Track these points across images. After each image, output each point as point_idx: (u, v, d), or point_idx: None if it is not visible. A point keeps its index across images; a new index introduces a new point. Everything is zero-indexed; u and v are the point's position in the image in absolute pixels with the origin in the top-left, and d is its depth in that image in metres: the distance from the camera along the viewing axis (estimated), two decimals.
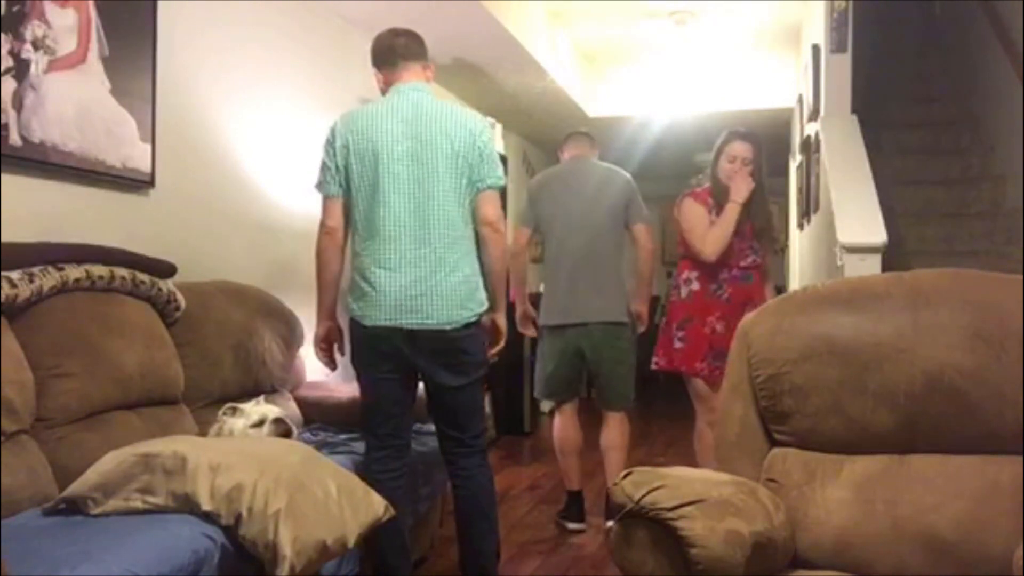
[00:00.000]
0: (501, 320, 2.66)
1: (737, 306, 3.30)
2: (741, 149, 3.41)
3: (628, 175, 3.81)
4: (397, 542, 2.52)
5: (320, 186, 2.53)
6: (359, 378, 2.58)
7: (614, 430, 3.69)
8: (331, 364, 2.70)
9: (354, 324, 2.50)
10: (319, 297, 2.59)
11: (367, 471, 2.50)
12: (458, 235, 2.46)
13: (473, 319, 2.49)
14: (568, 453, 3.74)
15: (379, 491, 2.31)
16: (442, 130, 2.45)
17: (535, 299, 3.96)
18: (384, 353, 2.46)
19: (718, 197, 3.40)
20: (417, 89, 2.54)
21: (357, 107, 2.58)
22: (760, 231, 3.46)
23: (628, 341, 3.70)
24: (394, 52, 2.60)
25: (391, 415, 2.53)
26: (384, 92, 2.62)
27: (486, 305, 2.55)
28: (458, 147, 2.45)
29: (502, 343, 2.68)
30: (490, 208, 2.51)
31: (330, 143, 2.52)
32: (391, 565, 2.52)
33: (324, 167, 2.52)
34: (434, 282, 2.41)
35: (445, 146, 2.44)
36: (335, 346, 2.68)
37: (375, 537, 2.29)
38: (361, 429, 2.64)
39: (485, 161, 2.49)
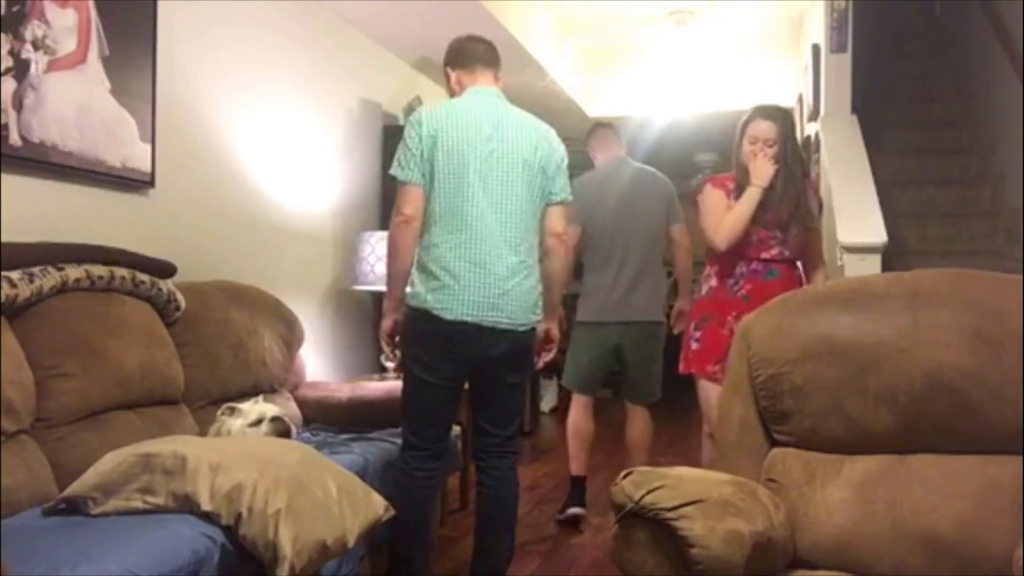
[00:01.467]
0: (555, 329, 2.68)
1: (758, 305, 2.87)
2: (764, 129, 3.01)
3: (666, 177, 3.96)
4: (422, 538, 2.52)
5: (400, 171, 2.45)
6: (408, 374, 2.51)
7: (638, 427, 3.84)
8: (396, 358, 2.63)
9: (425, 317, 2.41)
10: (390, 290, 2.53)
11: (404, 469, 2.51)
12: (533, 241, 2.52)
13: (537, 323, 2.55)
14: (579, 439, 3.84)
15: (414, 487, 2.42)
16: (527, 137, 2.49)
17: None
18: (452, 351, 2.42)
19: (741, 181, 3.02)
20: (494, 93, 2.56)
21: (439, 105, 2.54)
22: (789, 219, 2.99)
23: (662, 339, 3.87)
24: (474, 56, 2.61)
25: (439, 417, 2.51)
26: (455, 93, 2.62)
27: (542, 313, 2.58)
28: (540, 156, 2.50)
29: (553, 352, 2.70)
30: (559, 221, 2.57)
31: (415, 130, 2.45)
32: (412, 561, 2.51)
33: (408, 153, 2.44)
34: (514, 283, 2.44)
35: (528, 153, 2.48)
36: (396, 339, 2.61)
37: (400, 532, 2.29)
38: (403, 426, 2.58)
39: (560, 174, 2.56)
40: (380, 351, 3.67)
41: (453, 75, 2.64)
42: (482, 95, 2.53)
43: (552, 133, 2.59)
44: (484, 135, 2.44)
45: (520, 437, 5.87)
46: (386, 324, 2.55)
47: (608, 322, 3.75)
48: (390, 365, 3.72)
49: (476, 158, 2.41)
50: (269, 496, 1.87)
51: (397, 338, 2.55)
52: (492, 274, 2.40)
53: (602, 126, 4.14)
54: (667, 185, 3.92)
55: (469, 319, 2.39)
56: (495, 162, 2.43)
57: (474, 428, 2.62)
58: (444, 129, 2.42)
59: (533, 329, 2.54)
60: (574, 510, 3.78)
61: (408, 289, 2.47)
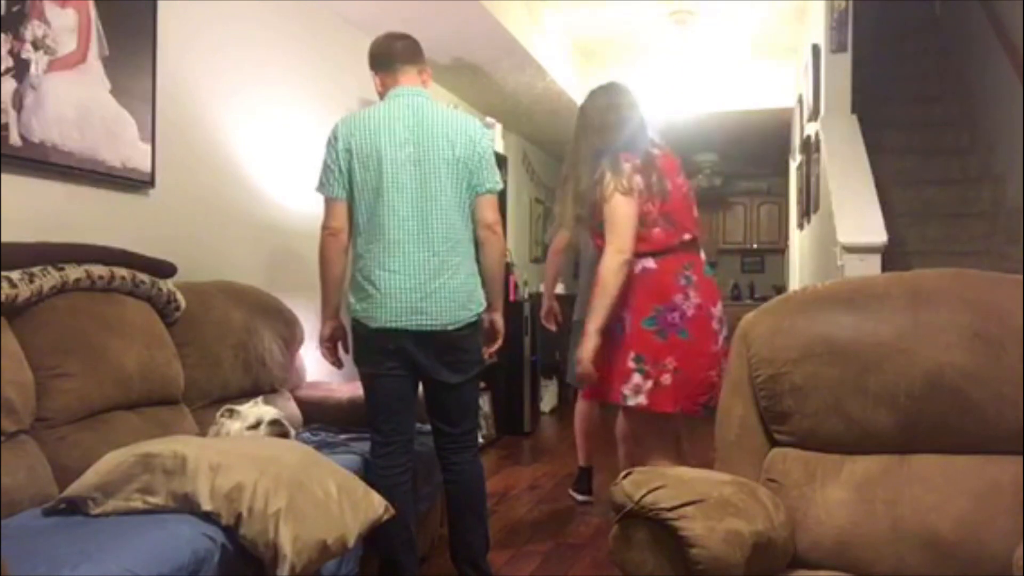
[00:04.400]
0: (499, 320, 2.71)
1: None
2: None
3: None
4: (404, 536, 2.56)
5: (322, 188, 2.56)
6: (362, 376, 2.62)
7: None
8: (337, 363, 2.76)
9: (358, 324, 2.55)
10: (324, 297, 2.65)
11: (373, 467, 2.58)
12: (459, 238, 2.53)
13: (473, 319, 2.57)
14: (586, 435, 4.08)
15: (385, 486, 2.39)
16: (444, 135, 2.50)
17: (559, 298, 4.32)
18: (388, 351, 2.51)
19: None
20: (417, 94, 2.58)
21: (357, 110, 2.60)
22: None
23: None
24: (391, 57, 2.63)
25: (394, 411, 2.58)
26: (382, 96, 2.66)
27: (484, 305, 2.61)
28: (459, 152, 2.51)
29: (499, 342, 2.75)
30: (489, 211, 2.58)
31: (332, 146, 2.55)
32: (398, 561, 2.56)
33: (327, 169, 2.54)
34: (437, 284, 2.48)
35: (447, 151, 2.49)
36: (339, 345, 2.73)
37: (382, 534, 2.31)
38: (367, 427, 2.68)
39: (484, 166, 2.55)
40: None
41: (376, 79, 2.68)
42: (400, 97, 2.56)
43: (473, 125, 2.59)
44: (399, 140, 2.48)
45: (520, 437, 5.88)
46: (323, 331, 2.69)
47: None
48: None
49: (391, 164, 2.46)
50: (269, 496, 1.87)
51: (339, 344, 2.71)
52: (412, 279, 2.47)
53: None
54: None
55: (391, 325, 2.48)
56: (412, 166, 2.48)
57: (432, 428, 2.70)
58: (357, 140, 2.49)
59: (471, 325, 2.56)
60: (581, 498, 4.07)
61: (349, 298, 2.59)
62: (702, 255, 2.77)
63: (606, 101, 2.75)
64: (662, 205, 2.61)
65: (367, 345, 2.54)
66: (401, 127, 2.50)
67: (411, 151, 2.48)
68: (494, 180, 2.59)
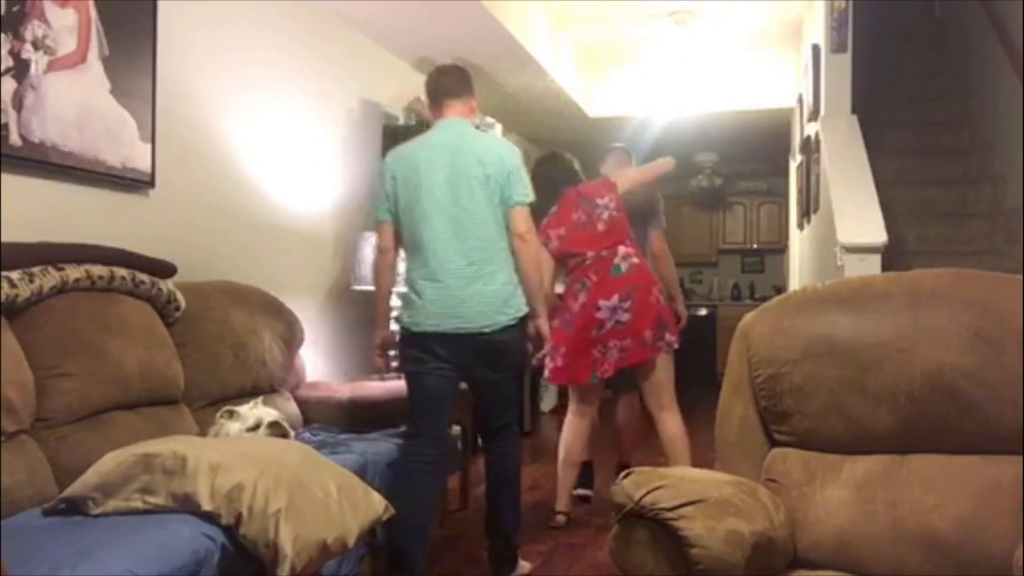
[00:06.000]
0: (543, 325, 2.93)
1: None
2: None
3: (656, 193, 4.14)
4: (417, 525, 2.70)
5: (376, 212, 2.90)
6: (405, 375, 2.85)
7: (624, 413, 4.16)
8: (387, 368, 3.04)
9: (404, 330, 2.81)
10: (377, 308, 2.97)
11: (405, 458, 2.82)
12: (494, 248, 2.79)
13: (511, 322, 2.79)
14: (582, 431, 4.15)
15: (408, 472, 2.74)
16: (475, 157, 2.78)
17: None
18: (430, 353, 2.75)
19: None
20: (457, 124, 2.88)
21: (406, 144, 2.94)
22: None
23: None
24: (439, 91, 2.92)
25: (429, 408, 2.81)
26: (432, 121, 2.98)
27: (525, 309, 2.85)
28: (489, 170, 2.77)
29: (546, 348, 2.98)
30: (519, 222, 2.81)
31: (382, 175, 2.87)
32: (406, 550, 2.67)
33: (380, 196, 2.86)
34: (472, 291, 2.73)
35: (478, 170, 2.76)
36: (389, 352, 3.00)
37: (396, 520, 2.40)
38: (406, 421, 2.92)
39: (513, 181, 2.80)
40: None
41: (429, 108, 3.00)
42: (443, 129, 2.87)
43: (502, 145, 2.91)
44: (439, 164, 2.77)
45: (520, 437, 5.87)
46: (375, 338, 2.98)
47: None
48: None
49: (430, 187, 2.75)
50: (269, 496, 1.87)
51: (391, 352, 2.99)
52: (448, 287, 2.73)
53: (617, 148, 4.33)
54: (655, 196, 4.08)
55: (432, 329, 2.74)
56: (449, 187, 2.75)
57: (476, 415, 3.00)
58: (401, 168, 2.81)
59: (512, 327, 2.79)
60: (580, 492, 4.09)
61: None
62: (619, 254, 3.51)
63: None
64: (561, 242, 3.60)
65: (411, 347, 2.78)
66: (439, 153, 2.78)
67: (447, 173, 2.75)
68: (523, 193, 2.81)
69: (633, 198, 3.77)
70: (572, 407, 3.77)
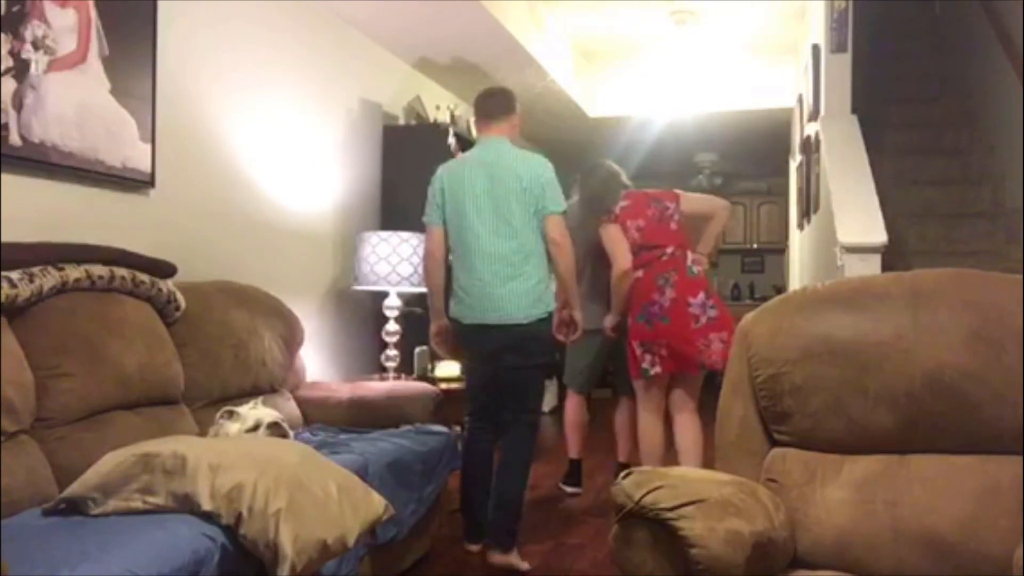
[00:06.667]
0: (577, 314, 3.30)
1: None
2: None
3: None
4: (480, 482, 3.24)
5: (425, 217, 3.26)
6: (463, 362, 3.32)
7: (623, 412, 4.31)
8: (450, 354, 3.50)
9: (454, 322, 3.24)
10: (430, 301, 3.31)
11: (467, 431, 3.34)
12: (530, 251, 3.14)
13: (543, 315, 3.16)
14: (576, 427, 4.38)
15: (473, 449, 3.28)
16: (512, 171, 3.14)
17: None
18: (476, 343, 3.20)
19: None
20: (497, 142, 3.24)
21: (454, 159, 3.35)
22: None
23: None
24: (483, 112, 3.30)
25: (479, 394, 3.31)
26: (477, 140, 3.35)
27: (553, 306, 3.22)
28: (525, 183, 3.12)
29: (579, 332, 3.35)
30: (553, 229, 3.14)
31: (433, 185, 3.25)
32: (474, 503, 3.24)
33: (428, 203, 3.24)
34: (509, 288, 3.11)
35: (515, 183, 3.12)
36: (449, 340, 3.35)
37: (464, 482, 3.22)
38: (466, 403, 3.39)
39: (547, 193, 3.14)
40: (380, 351, 4.17)
41: (476, 125, 3.38)
42: (485, 147, 3.24)
43: (537, 161, 3.20)
44: (480, 177, 3.15)
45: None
46: (432, 328, 3.35)
47: (600, 328, 3.91)
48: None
49: (473, 196, 3.14)
50: (269, 496, 1.87)
51: (444, 339, 3.34)
52: (488, 284, 3.12)
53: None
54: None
55: (475, 321, 3.16)
56: (488, 198, 3.13)
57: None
58: (448, 180, 3.21)
59: (541, 320, 3.16)
60: (571, 489, 4.33)
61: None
62: (690, 257, 3.62)
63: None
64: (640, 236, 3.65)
65: (462, 338, 3.26)
66: (482, 168, 3.15)
67: (487, 185, 3.12)
68: (556, 203, 3.15)
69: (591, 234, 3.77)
70: (644, 406, 3.76)
